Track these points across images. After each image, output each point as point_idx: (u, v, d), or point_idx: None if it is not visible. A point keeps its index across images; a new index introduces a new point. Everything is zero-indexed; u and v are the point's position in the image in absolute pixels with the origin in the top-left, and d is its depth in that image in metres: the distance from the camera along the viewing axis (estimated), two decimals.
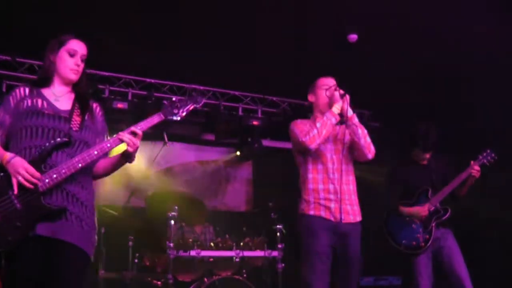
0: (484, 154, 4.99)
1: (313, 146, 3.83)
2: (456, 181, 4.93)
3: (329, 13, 5.83)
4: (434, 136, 5.04)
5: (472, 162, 4.93)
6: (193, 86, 7.82)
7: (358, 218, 3.99)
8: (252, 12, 5.85)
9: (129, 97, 7.46)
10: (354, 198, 4.03)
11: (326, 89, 4.02)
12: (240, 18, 5.97)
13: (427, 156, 5.14)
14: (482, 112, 6.67)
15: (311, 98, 4.20)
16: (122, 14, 5.85)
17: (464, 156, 5.12)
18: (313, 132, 3.82)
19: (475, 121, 6.72)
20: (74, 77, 3.04)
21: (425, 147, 5.07)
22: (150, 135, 6.68)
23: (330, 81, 4.09)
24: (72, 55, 3.03)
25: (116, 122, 6.83)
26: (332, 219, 3.83)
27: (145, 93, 7.49)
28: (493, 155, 4.99)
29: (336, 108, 3.88)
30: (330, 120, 3.85)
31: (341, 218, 3.81)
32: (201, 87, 7.87)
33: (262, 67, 6.96)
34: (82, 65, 3.08)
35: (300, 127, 4.01)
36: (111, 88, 7.43)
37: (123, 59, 6.91)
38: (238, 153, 8.87)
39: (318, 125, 3.82)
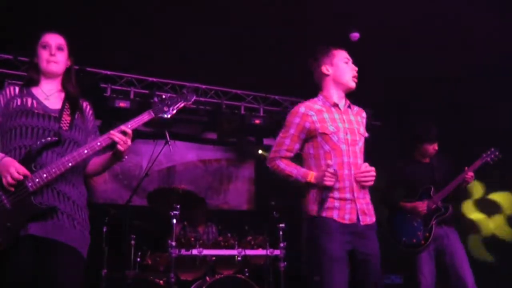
0: (488, 152, 4.99)
1: (269, 167, 3.53)
2: (451, 186, 4.95)
3: (331, 11, 5.82)
4: (435, 129, 5.07)
5: (466, 168, 4.94)
6: (195, 84, 7.82)
7: (374, 219, 3.43)
8: (254, 11, 5.85)
9: (131, 96, 7.47)
10: (368, 196, 3.48)
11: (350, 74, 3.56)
12: (242, 17, 5.97)
13: (434, 149, 5.13)
14: (485, 111, 6.66)
15: (326, 70, 3.55)
16: (124, 13, 5.86)
17: (465, 154, 5.12)
18: (279, 166, 3.48)
19: (477, 121, 6.71)
20: (53, 68, 3.01)
21: (428, 140, 5.08)
22: (152, 134, 6.72)
23: (347, 54, 3.61)
24: (45, 47, 3.00)
25: (118, 121, 6.86)
26: (347, 221, 3.30)
27: (147, 92, 7.49)
28: (497, 153, 4.98)
29: (313, 180, 3.36)
30: (298, 179, 3.42)
31: (358, 220, 3.31)
32: (203, 86, 7.88)
33: (264, 66, 6.96)
34: (60, 55, 3.03)
35: (286, 134, 3.51)
36: (113, 87, 7.45)
37: (125, 58, 6.92)
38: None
39: (287, 168, 3.45)
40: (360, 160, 3.47)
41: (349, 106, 3.61)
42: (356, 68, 3.57)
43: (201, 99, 7.83)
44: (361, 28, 6.14)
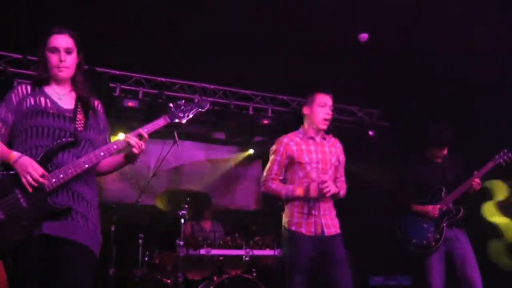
0: (501, 153, 4.90)
1: (262, 190, 4.25)
2: (459, 191, 4.90)
3: (340, 12, 5.81)
4: (447, 134, 5.01)
5: (475, 172, 4.89)
6: (204, 84, 7.83)
7: (339, 230, 4.13)
8: (262, 11, 5.85)
9: (140, 96, 7.47)
10: (334, 212, 4.18)
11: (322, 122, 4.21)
12: (250, 17, 5.97)
13: (443, 153, 5.09)
14: (495, 111, 6.62)
15: (306, 110, 4.30)
16: (133, 13, 5.87)
17: (475, 155, 5.08)
18: (269, 187, 4.18)
19: (485, 121, 6.67)
20: (62, 74, 2.98)
21: (439, 144, 5.03)
22: (161, 134, 6.72)
23: (328, 99, 4.22)
24: (53, 51, 2.95)
25: (127, 121, 6.88)
26: (313, 234, 4.00)
27: (156, 91, 7.51)
28: (510, 154, 4.89)
29: (300, 194, 4.06)
30: (288, 195, 4.10)
31: (322, 232, 4.02)
32: (212, 86, 7.88)
33: (273, 66, 6.95)
34: (69, 58, 2.98)
35: (274, 161, 4.22)
36: (122, 86, 7.45)
37: (134, 58, 6.94)
38: (251, 151, 8.88)
39: (277, 188, 4.15)
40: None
41: (324, 138, 4.29)
42: (330, 114, 4.21)
43: (209, 99, 7.83)
44: (371, 27, 6.12)
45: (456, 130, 5.11)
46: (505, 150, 4.91)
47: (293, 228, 4.04)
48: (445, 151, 5.09)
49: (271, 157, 4.26)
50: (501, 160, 4.88)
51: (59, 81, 3.02)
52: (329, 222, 4.08)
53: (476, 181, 4.84)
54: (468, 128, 6.58)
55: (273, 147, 4.28)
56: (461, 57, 6.33)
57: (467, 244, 4.88)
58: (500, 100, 6.38)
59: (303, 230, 4.01)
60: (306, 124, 4.30)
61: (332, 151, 4.25)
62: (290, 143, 4.20)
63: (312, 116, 4.22)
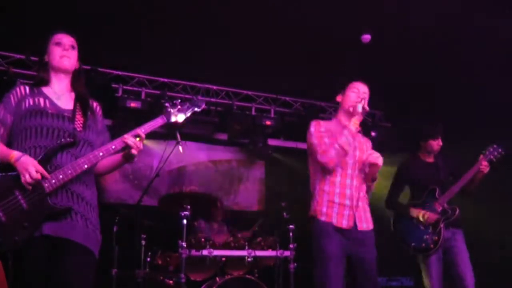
0: (491, 149, 4.80)
1: (331, 166, 3.79)
2: (464, 179, 4.82)
3: (342, 13, 5.81)
4: (439, 125, 5.01)
5: (481, 156, 4.79)
6: (206, 85, 7.84)
7: (371, 226, 3.92)
8: (265, 12, 5.85)
9: (143, 96, 7.49)
10: (367, 207, 3.99)
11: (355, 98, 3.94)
12: (253, 19, 5.98)
13: (438, 146, 5.06)
14: (496, 112, 6.62)
15: (339, 98, 4.10)
16: (135, 14, 5.89)
17: (475, 156, 5.07)
18: (331, 154, 3.77)
19: (487, 126, 6.66)
20: (65, 62, 3.02)
21: (434, 134, 5.01)
22: (163, 134, 6.74)
23: (362, 87, 4.02)
24: (58, 44, 3.02)
25: (129, 121, 6.88)
26: (345, 226, 3.77)
27: (158, 92, 7.52)
28: (500, 150, 4.80)
29: (353, 124, 3.82)
30: (347, 137, 3.78)
31: (355, 225, 3.78)
32: (215, 87, 7.89)
33: (275, 67, 6.96)
34: (73, 53, 3.05)
35: (318, 138, 3.91)
36: (125, 87, 7.47)
37: (136, 59, 6.95)
38: None
39: (336, 145, 3.76)
40: (363, 173, 3.94)
41: (359, 131, 3.99)
42: (361, 97, 3.93)
43: (212, 100, 7.85)
44: (374, 28, 6.12)
45: (457, 131, 5.10)
46: (495, 146, 4.80)
47: (323, 218, 3.79)
48: (440, 143, 5.05)
49: (313, 135, 3.93)
50: (492, 156, 4.79)
51: (59, 75, 3.04)
52: (361, 214, 3.86)
53: (485, 164, 4.74)
54: (469, 129, 6.59)
55: (311, 128, 3.96)
56: (462, 57, 6.33)
57: (461, 242, 4.87)
58: (501, 100, 6.39)
59: (333, 221, 3.76)
60: (338, 113, 4.13)
61: (367, 146, 4.09)
62: (321, 123, 4.00)
63: (344, 102, 4.02)
